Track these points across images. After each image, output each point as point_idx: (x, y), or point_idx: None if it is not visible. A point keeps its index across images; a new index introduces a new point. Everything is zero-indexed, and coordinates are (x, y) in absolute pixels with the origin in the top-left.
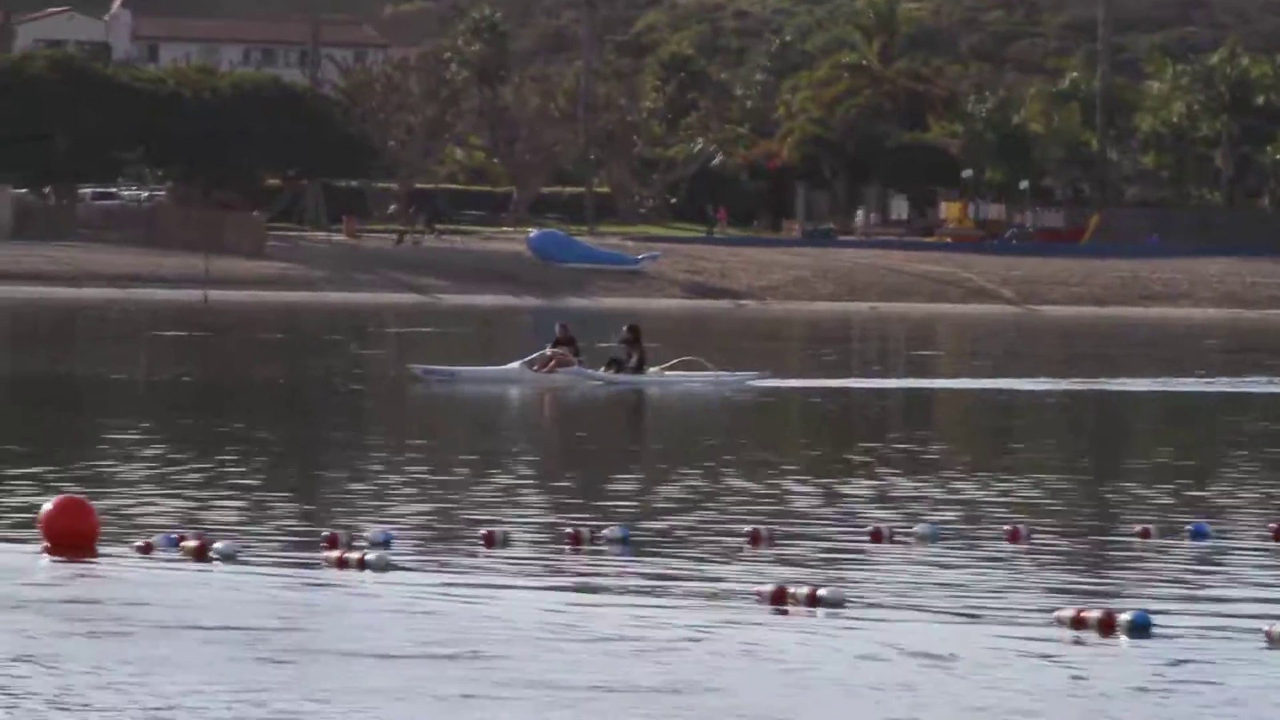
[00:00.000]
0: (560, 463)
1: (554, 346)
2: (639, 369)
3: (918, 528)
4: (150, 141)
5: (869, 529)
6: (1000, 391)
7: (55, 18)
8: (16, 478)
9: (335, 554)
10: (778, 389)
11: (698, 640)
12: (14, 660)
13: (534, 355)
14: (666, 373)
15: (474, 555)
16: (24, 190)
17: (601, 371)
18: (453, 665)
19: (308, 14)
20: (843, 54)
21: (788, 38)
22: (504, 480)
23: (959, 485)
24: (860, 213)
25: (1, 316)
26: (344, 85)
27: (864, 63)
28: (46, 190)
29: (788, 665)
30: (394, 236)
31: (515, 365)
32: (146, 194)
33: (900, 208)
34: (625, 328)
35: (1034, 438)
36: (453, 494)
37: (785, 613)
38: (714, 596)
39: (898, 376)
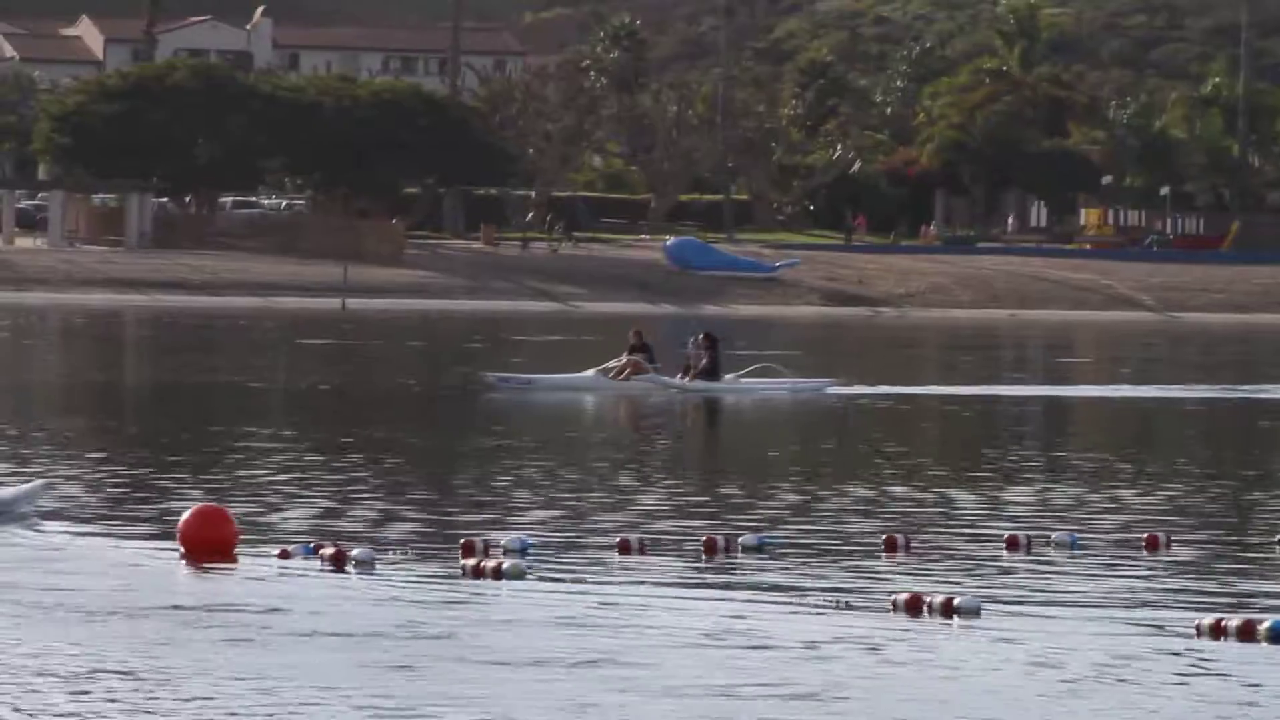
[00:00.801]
0: (686, 470)
1: (629, 353)
2: (713, 375)
3: (1055, 535)
4: (291, 150)
5: (1005, 536)
6: (1140, 398)
7: (197, 27)
8: (158, 485)
9: (471, 561)
10: (890, 394)
11: (834, 647)
12: (155, 667)
13: (610, 363)
14: (742, 379)
15: (609, 563)
16: (165, 199)
17: (677, 379)
18: (592, 671)
19: (447, 22)
20: (983, 60)
21: (928, 44)
22: (633, 487)
23: (1098, 492)
24: (1011, 219)
25: (143, 325)
26: (483, 93)
27: (1004, 68)
28: (188, 199)
29: (924, 673)
30: (530, 243)
31: (591, 373)
32: (286, 202)
33: (1040, 214)
34: (700, 334)
35: (1175, 444)
36: (584, 501)
37: (920, 620)
38: (849, 604)
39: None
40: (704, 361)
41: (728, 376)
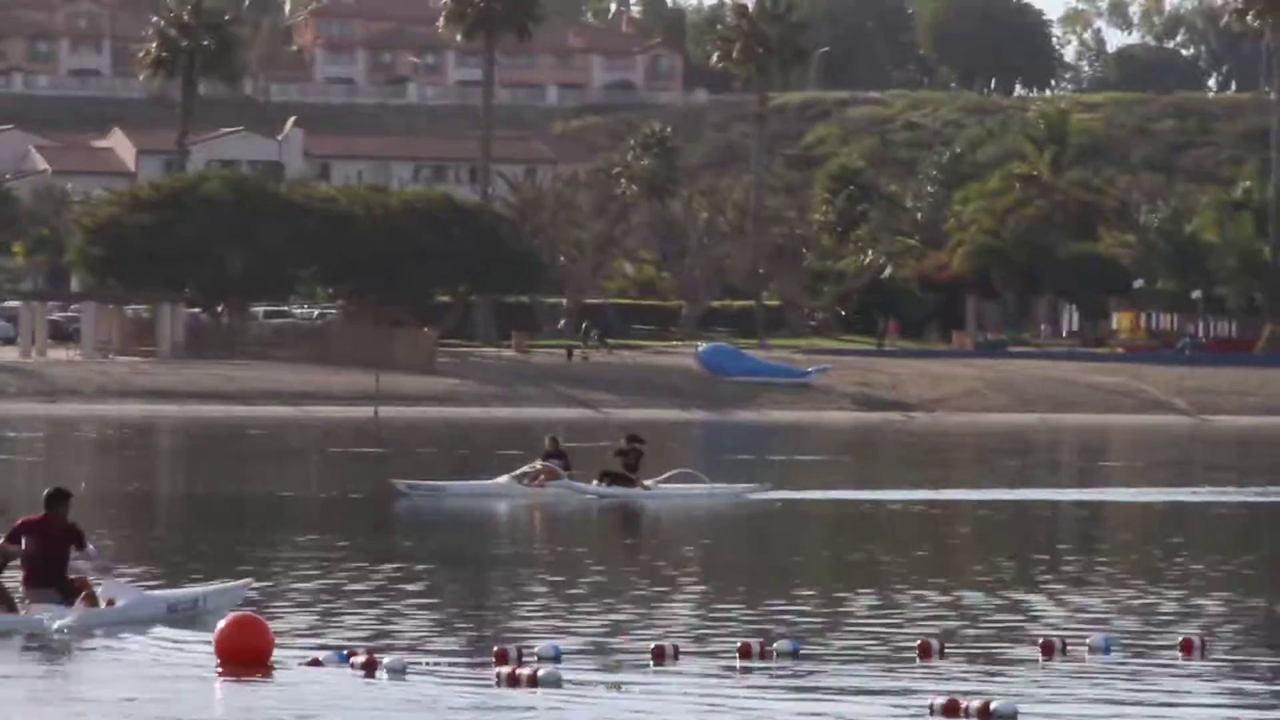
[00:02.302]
0: (712, 577)
1: (544, 460)
2: (627, 480)
3: (1090, 639)
4: (322, 259)
5: (1040, 640)
6: (1174, 502)
7: (229, 138)
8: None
9: (506, 669)
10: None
11: None
12: None
13: (524, 469)
14: (661, 485)
15: (644, 669)
16: (197, 309)
17: (594, 485)
18: None
19: (477, 130)
20: (1013, 165)
21: (958, 149)
22: (663, 594)
23: (1133, 596)
24: (1043, 323)
25: (175, 435)
26: (514, 201)
27: (1035, 173)
28: (220, 309)
29: None
30: (563, 351)
31: (504, 479)
32: (318, 311)
33: (1072, 318)
34: (623, 437)
35: (1210, 548)
36: (618, 608)
37: None
38: (887, 708)
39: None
40: (627, 460)
41: (646, 482)
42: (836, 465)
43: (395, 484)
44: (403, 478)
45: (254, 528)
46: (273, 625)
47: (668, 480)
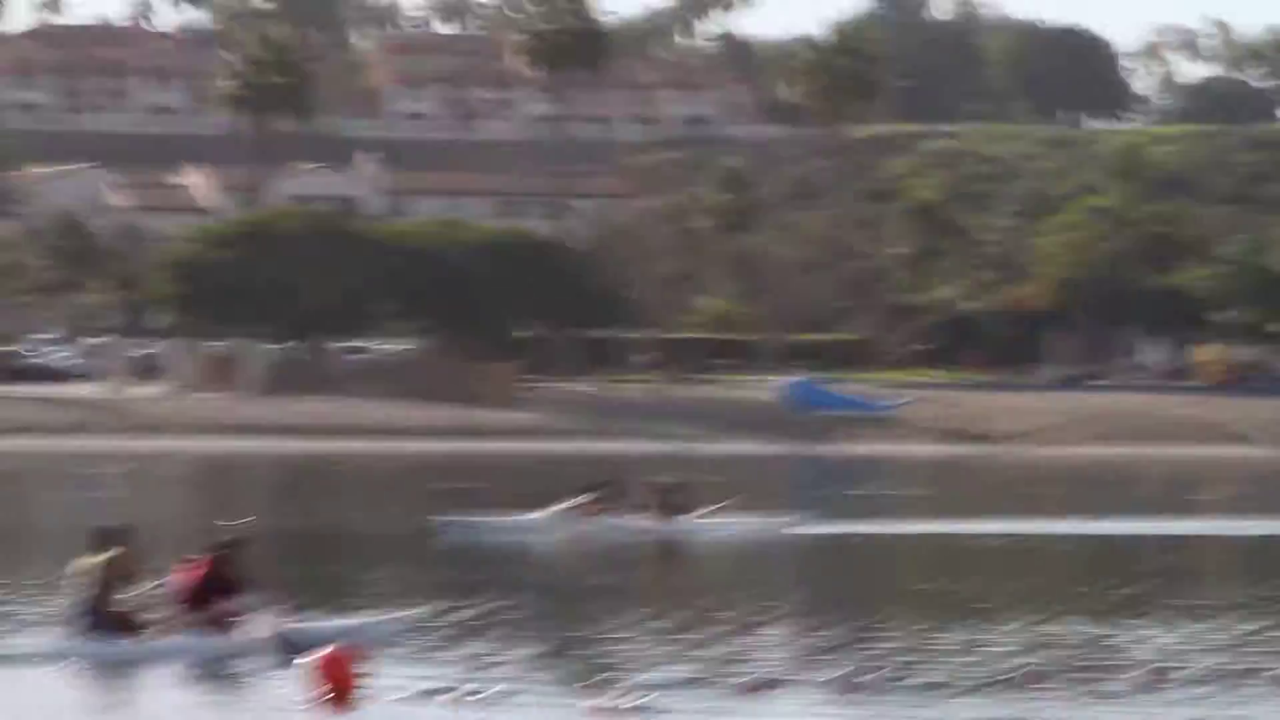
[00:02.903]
0: (798, 609)
1: (583, 494)
2: (670, 515)
3: (1192, 670)
4: (400, 295)
5: (1150, 667)
6: (1263, 535)
7: (304, 173)
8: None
9: (599, 702)
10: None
11: None
12: None
13: (563, 504)
14: (696, 520)
15: (736, 702)
16: (278, 345)
17: (633, 520)
18: None
19: (554, 165)
20: (1090, 197)
21: (1035, 183)
22: (750, 627)
23: (1226, 630)
24: (1124, 356)
25: (258, 470)
26: (592, 236)
27: (1112, 206)
28: (300, 344)
29: None
30: (644, 385)
31: (541, 514)
32: (397, 347)
33: (1152, 351)
34: (666, 475)
35: None
36: (708, 643)
37: None
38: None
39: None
40: (676, 498)
41: (681, 518)
42: (925, 499)
43: (434, 519)
44: (485, 510)
45: (347, 563)
46: (362, 659)
47: (705, 515)
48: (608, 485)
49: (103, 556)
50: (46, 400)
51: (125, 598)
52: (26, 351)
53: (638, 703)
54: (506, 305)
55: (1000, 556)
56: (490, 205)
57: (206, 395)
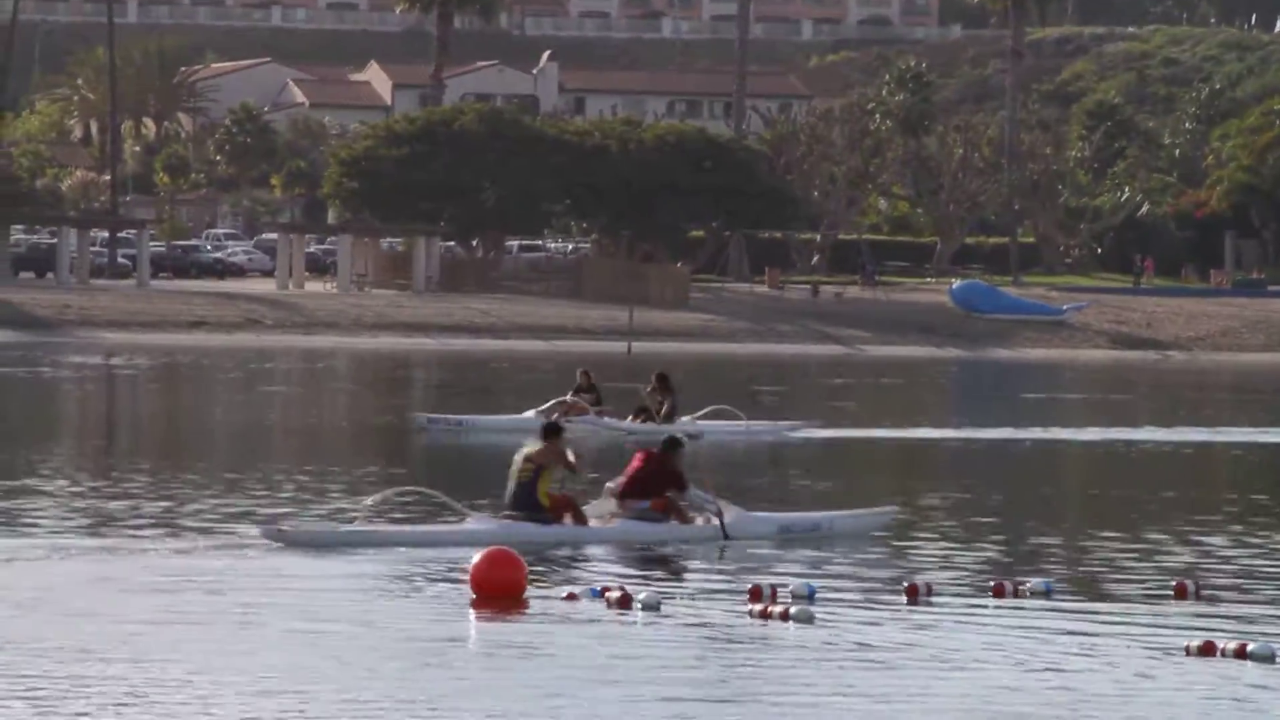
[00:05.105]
0: (961, 516)
1: (574, 394)
2: (669, 418)
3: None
4: (576, 194)
5: None
6: None
7: (484, 71)
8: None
9: (759, 606)
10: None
11: (1128, 693)
12: (442, 708)
13: (550, 403)
14: (697, 422)
15: (897, 608)
16: (452, 243)
17: (628, 421)
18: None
19: (732, 65)
20: (1273, 101)
21: (1217, 85)
22: (916, 531)
23: None
24: None
25: (430, 367)
26: (768, 136)
27: None
28: (474, 243)
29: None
30: (819, 288)
31: (529, 414)
32: (571, 246)
33: None
34: (654, 376)
35: None
36: (869, 546)
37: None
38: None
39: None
40: (665, 406)
41: (682, 419)
42: (1101, 404)
43: (416, 417)
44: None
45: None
46: (529, 563)
47: (704, 417)
48: (594, 389)
49: (542, 445)
50: (222, 295)
51: (563, 484)
52: (206, 247)
53: (795, 608)
54: (680, 205)
55: (1171, 462)
56: (669, 105)
57: (380, 292)
